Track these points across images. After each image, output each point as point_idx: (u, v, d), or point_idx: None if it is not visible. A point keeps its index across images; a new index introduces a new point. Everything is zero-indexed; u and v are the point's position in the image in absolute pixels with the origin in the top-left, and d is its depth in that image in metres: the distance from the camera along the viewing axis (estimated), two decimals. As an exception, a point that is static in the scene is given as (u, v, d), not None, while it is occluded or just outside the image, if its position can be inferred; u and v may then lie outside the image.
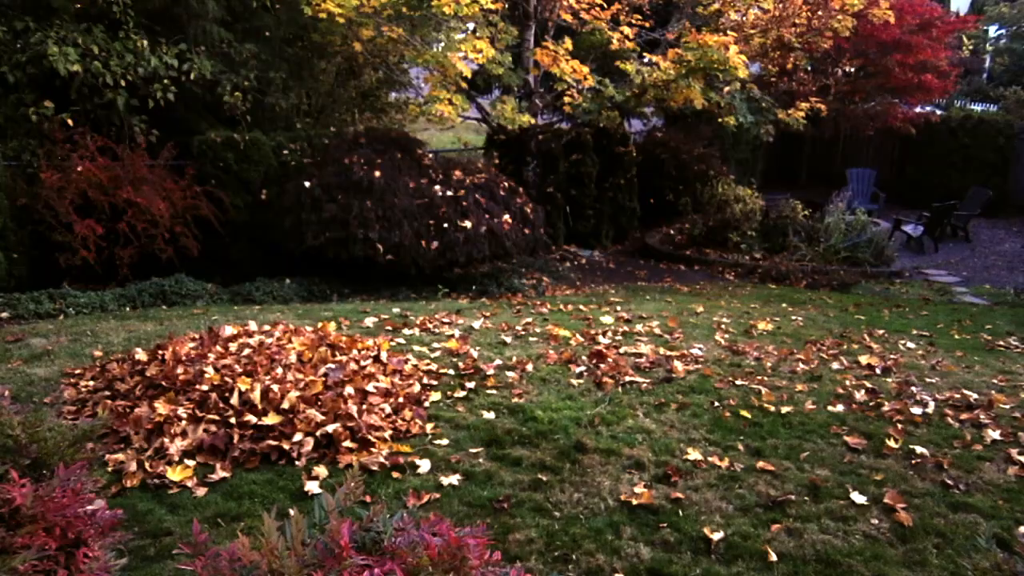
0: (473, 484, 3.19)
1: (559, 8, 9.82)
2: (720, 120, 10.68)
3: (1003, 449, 3.70)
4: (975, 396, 4.45)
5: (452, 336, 5.34)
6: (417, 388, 4.12)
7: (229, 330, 4.44)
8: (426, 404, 4.01)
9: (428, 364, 4.62)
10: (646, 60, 9.52)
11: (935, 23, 13.74)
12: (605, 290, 9.02)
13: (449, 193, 8.12)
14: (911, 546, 2.82)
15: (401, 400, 3.89)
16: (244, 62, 8.83)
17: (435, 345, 5.09)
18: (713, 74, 9.38)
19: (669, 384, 4.47)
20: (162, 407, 3.52)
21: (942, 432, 3.90)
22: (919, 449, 3.65)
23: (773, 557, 2.71)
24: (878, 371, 4.96)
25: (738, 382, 4.56)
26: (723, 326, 6.18)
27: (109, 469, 3.20)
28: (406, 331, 5.51)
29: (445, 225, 7.84)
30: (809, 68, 13.96)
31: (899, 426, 3.94)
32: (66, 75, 7.25)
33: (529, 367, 4.66)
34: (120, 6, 7.67)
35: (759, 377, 4.70)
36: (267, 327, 4.68)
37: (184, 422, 3.47)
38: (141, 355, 4.15)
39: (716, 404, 4.16)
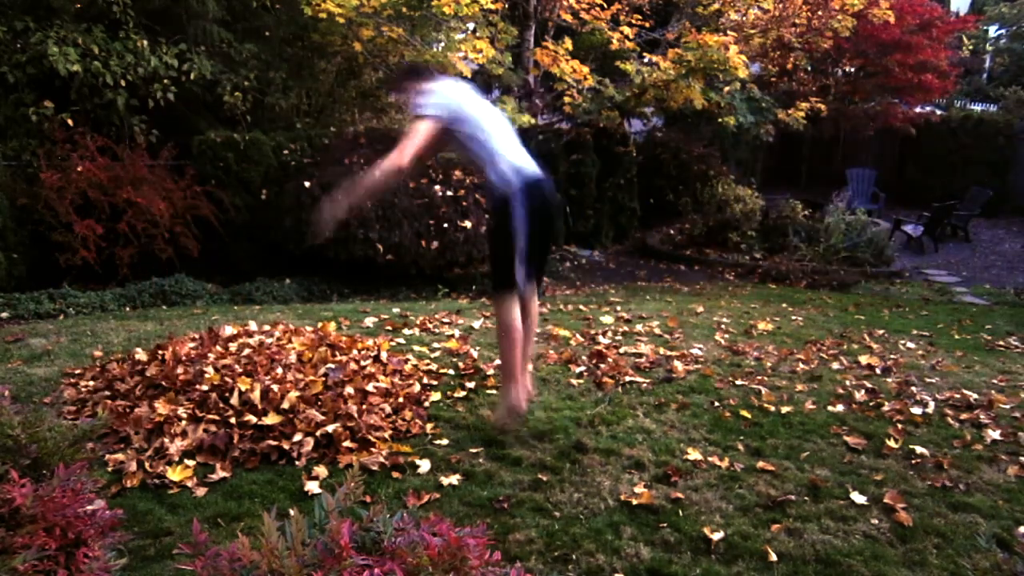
0: (473, 484, 3.19)
1: (559, 8, 9.82)
2: (720, 120, 10.69)
3: (1003, 449, 3.70)
4: (975, 396, 4.45)
5: (452, 336, 5.34)
6: (417, 388, 4.12)
7: (229, 330, 4.44)
8: (426, 404, 4.01)
9: (428, 364, 4.62)
10: (646, 60, 9.53)
11: (935, 23, 13.74)
12: (605, 290, 9.02)
13: (449, 193, 8.13)
14: (911, 546, 2.82)
15: (401, 400, 3.89)
16: (244, 62, 8.83)
17: (435, 345, 5.09)
18: (713, 74, 9.39)
19: (669, 384, 4.47)
20: (162, 407, 3.52)
21: (942, 432, 3.90)
22: (919, 449, 3.65)
23: (773, 557, 2.71)
24: (878, 371, 4.97)
25: (738, 382, 4.57)
26: (723, 326, 6.18)
27: (109, 469, 3.19)
28: (406, 331, 5.51)
29: (445, 225, 7.85)
30: (809, 68, 13.97)
31: (899, 426, 3.94)
32: (66, 75, 7.26)
33: (529, 367, 4.66)
34: (120, 6, 7.67)
35: (759, 377, 4.70)
36: (267, 327, 4.68)
37: (184, 422, 3.47)
38: (141, 355, 4.15)
39: (716, 404, 4.16)
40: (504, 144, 3.30)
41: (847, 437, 3.77)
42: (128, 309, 6.66)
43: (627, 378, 4.49)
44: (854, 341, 5.92)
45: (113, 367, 4.18)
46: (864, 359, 5.20)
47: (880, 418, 4.06)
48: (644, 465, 3.39)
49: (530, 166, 3.32)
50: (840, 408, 4.18)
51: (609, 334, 5.66)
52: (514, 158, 3.28)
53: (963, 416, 4.12)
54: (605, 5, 9.93)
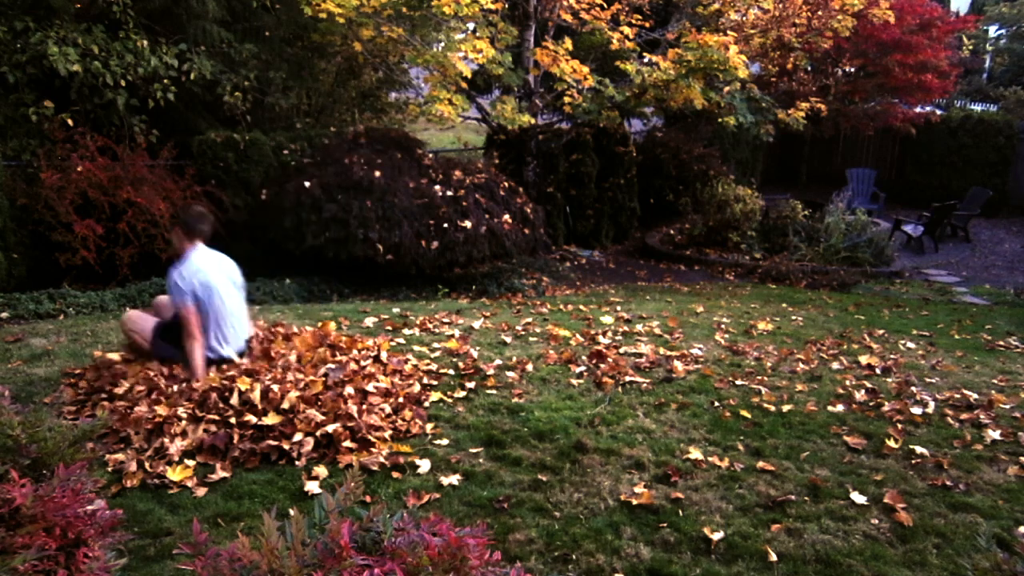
0: (473, 484, 3.19)
1: (559, 8, 9.82)
2: (720, 120, 10.68)
3: (1003, 449, 3.70)
4: (975, 396, 4.45)
5: (452, 336, 5.34)
6: (417, 388, 4.12)
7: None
8: (426, 404, 4.01)
9: (428, 364, 4.62)
10: (646, 60, 9.52)
11: (935, 23, 13.74)
12: (605, 290, 9.02)
13: (449, 193, 8.12)
14: (911, 546, 2.82)
15: (401, 400, 3.89)
16: (244, 62, 8.83)
17: (435, 345, 5.09)
18: (713, 74, 9.38)
19: (669, 384, 4.47)
20: (162, 407, 3.52)
21: (942, 432, 3.90)
22: (919, 449, 3.65)
23: (773, 557, 2.71)
24: (878, 371, 4.97)
25: (738, 382, 4.57)
26: (723, 326, 6.18)
27: (109, 469, 3.20)
28: (406, 331, 5.51)
29: (445, 225, 7.84)
30: (809, 68, 13.96)
31: (899, 426, 3.94)
32: (66, 75, 7.25)
33: (529, 367, 4.66)
34: (120, 6, 7.66)
35: (759, 377, 4.70)
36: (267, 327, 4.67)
37: (184, 422, 3.47)
38: (141, 355, 4.14)
39: (716, 404, 4.16)
40: (228, 326, 4.03)
41: (847, 437, 3.77)
42: (128, 309, 6.66)
43: (627, 378, 4.49)
44: (854, 341, 5.92)
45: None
46: (864, 359, 5.20)
47: (880, 418, 4.06)
48: (644, 465, 3.39)
49: (237, 346, 4.09)
50: (840, 408, 4.18)
51: (609, 334, 5.66)
52: (231, 342, 4.05)
53: (963, 416, 4.12)
54: (605, 5, 9.93)
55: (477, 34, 8.91)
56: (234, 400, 3.55)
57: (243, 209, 8.16)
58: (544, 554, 2.69)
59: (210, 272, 3.99)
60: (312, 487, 3.10)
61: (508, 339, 5.37)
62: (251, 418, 3.47)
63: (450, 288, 8.32)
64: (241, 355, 4.10)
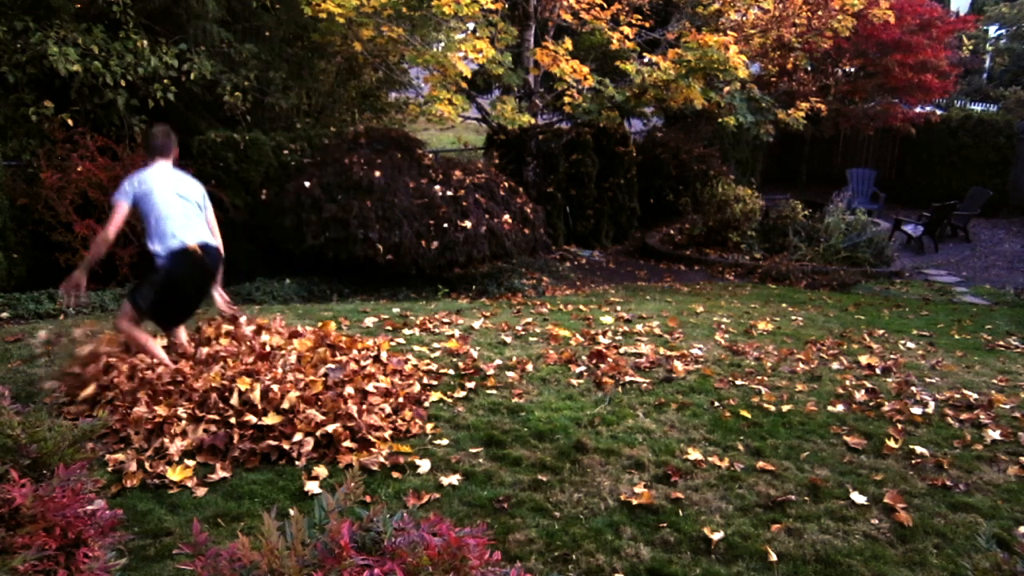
0: (473, 484, 3.19)
1: (559, 8, 9.82)
2: (720, 120, 10.67)
3: (1003, 449, 3.70)
4: (975, 396, 4.45)
5: (452, 336, 5.34)
6: (417, 388, 4.12)
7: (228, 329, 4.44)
8: (426, 404, 4.01)
9: (428, 364, 4.62)
10: (646, 60, 9.52)
11: (935, 23, 13.75)
12: (605, 290, 9.02)
13: (449, 193, 8.12)
14: (911, 546, 2.82)
15: (401, 400, 3.89)
16: (244, 62, 8.82)
17: (435, 345, 5.09)
18: (713, 74, 9.38)
19: (669, 384, 4.47)
20: (162, 407, 3.52)
21: (942, 432, 3.91)
22: (919, 449, 3.65)
23: (773, 557, 2.71)
24: (878, 371, 4.97)
25: (738, 382, 4.57)
26: (723, 326, 6.18)
27: (109, 469, 3.20)
28: (406, 331, 5.51)
29: (445, 225, 7.84)
30: (809, 68, 13.97)
31: (899, 426, 3.94)
32: (66, 75, 7.25)
33: (529, 367, 4.66)
34: (120, 6, 7.66)
35: (759, 377, 4.70)
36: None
37: (184, 422, 3.47)
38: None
39: (716, 404, 4.16)
40: (172, 224, 4.12)
41: (847, 437, 3.77)
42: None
43: (627, 378, 4.49)
44: (854, 341, 5.92)
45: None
46: (864, 359, 5.20)
47: (880, 418, 4.06)
48: (644, 465, 3.39)
49: (192, 238, 4.15)
50: (840, 408, 4.18)
51: (609, 334, 5.66)
52: (177, 234, 4.10)
53: (963, 416, 4.12)
54: (605, 5, 9.92)
55: (477, 34, 8.91)
56: (234, 400, 3.55)
57: (243, 209, 8.15)
58: (544, 554, 2.69)
59: (154, 181, 4.18)
60: (312, 487, 3.10)
61: (508, 339, 5.37)
62: (251, 418, 3.47)
63: (450, 288, 8.33)
64: (203, 249, 4.18)
